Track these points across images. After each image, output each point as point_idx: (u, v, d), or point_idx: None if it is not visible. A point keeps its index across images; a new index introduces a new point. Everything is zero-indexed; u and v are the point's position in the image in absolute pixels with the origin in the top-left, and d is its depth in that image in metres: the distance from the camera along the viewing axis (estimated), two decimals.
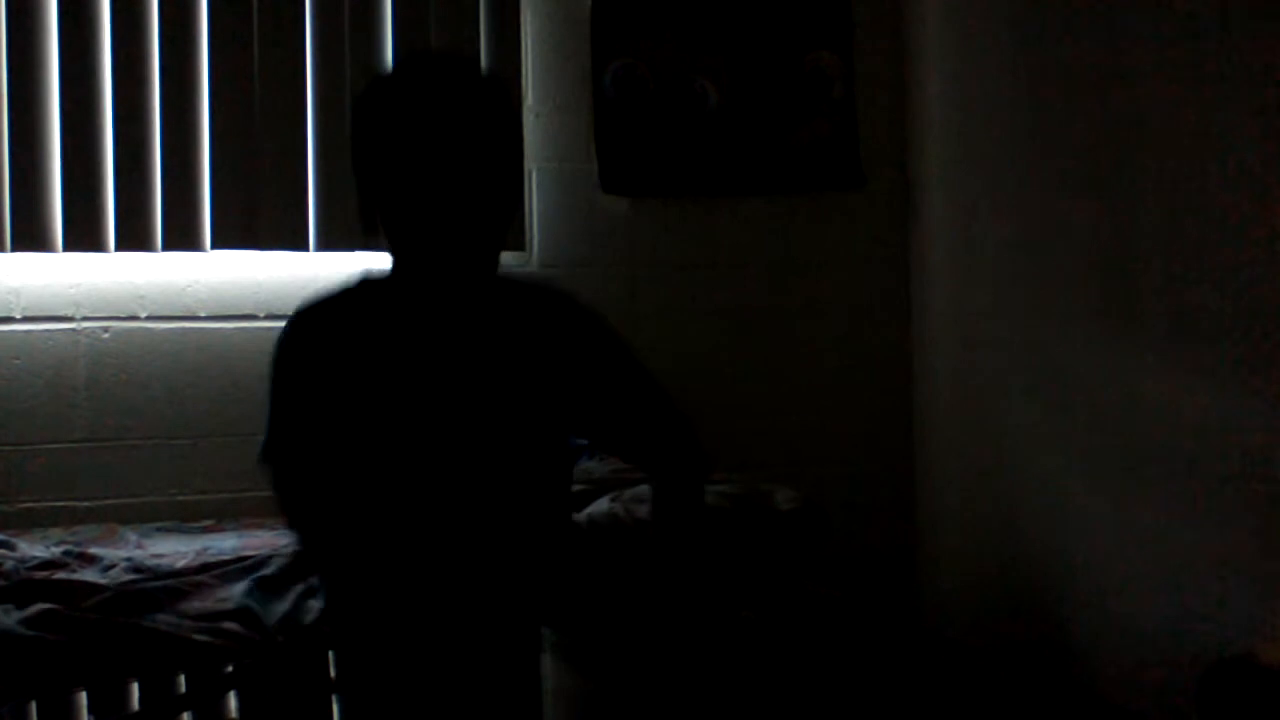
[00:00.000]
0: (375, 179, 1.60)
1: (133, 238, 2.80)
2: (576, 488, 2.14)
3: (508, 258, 1.80)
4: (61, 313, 2.82)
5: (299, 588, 2.10)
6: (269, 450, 1.73)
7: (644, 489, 2.42)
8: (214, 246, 2.84)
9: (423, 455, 1.63)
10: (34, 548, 2.36)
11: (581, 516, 2.24)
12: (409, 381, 1.65)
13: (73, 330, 2.82)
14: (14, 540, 2.40)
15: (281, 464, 1.73)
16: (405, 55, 1.67)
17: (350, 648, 1.66)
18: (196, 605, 2.08)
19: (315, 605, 2.02)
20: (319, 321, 1.71)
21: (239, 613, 2.05)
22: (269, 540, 2.44)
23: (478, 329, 1.68)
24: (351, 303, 1.71)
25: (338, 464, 1.65)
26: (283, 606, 2.06)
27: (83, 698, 1.63)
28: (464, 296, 1.68)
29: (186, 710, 1.44)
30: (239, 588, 2.15)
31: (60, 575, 2.15)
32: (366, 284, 1.71)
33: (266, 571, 2.17)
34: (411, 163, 1.56)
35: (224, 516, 2.80)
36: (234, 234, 2.85)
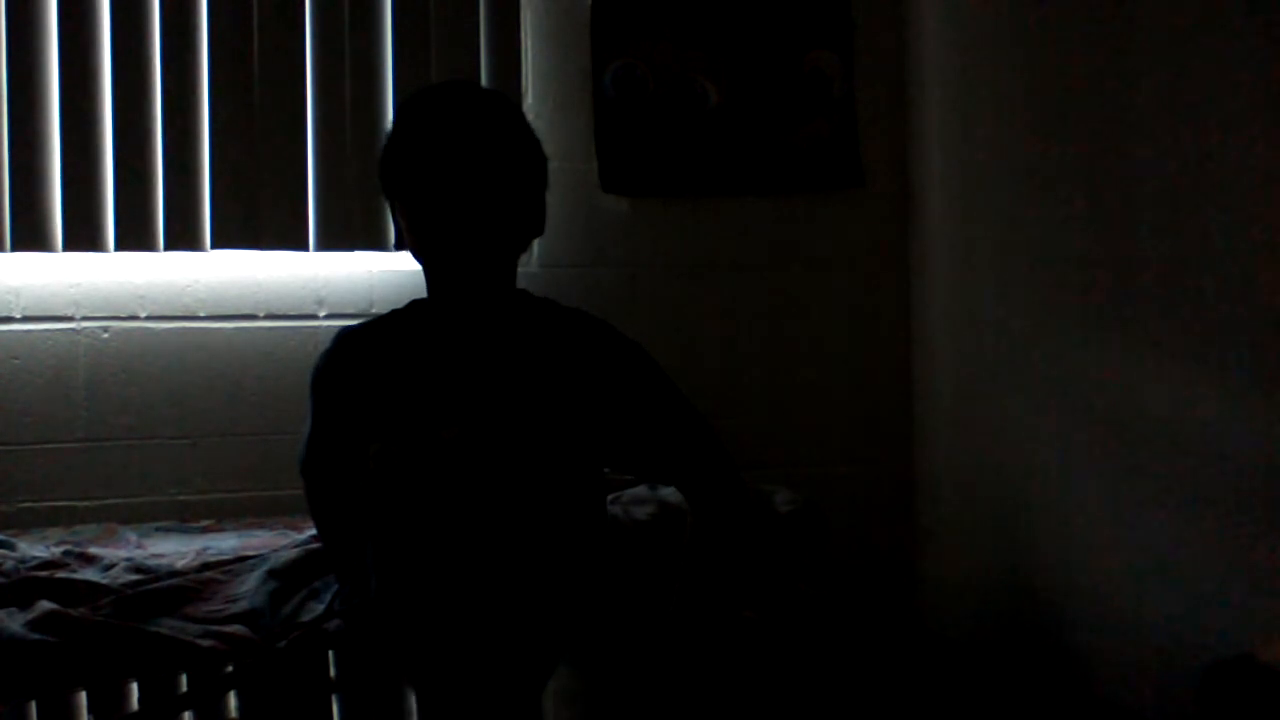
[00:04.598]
0: (406, 196, 1.63)
1: (133, 237, 2.80)
2: None
3: None
4: (61, 313, 2.82)
5: (303, 592, 2.10)
6: (306, 464, 1.80)
7: (642, 490, 2.43)
8: (214, 246, 2.84)
9: (458, 479, 1.64)
10: (34, 548, 2.36)
11: None
12: (446, 404, 1.66)
13: (73, 330, 2.82)
14: (14, 540, 2.40)
15: (317, 478, 1.78)
16: (430, 86, 1.75)
17: (369, 653, 1.67)
18: (204, 608, 2.08)
19: (316, 606, 2.02)
20: (361, 342, 1.75)
21: (245, 615, 2.05)
22: (269, 540, 2.45)
23: (515, 353, 1.69)
24: (393, 326, 1.75)
25: (372, 482, 1.66)
26: (288, 609, 2.06)
27: (83, 698, 1.63)
28: (502, 320, 1.69)
29: (186, 710, 1.44)
30: (251, 582, 2.15)
31: (61, 575, 2.15)
32: (411, 309, 1.74)
33: (276, 565, 2.17)
34: (435, 173, 1.60)
35: (224, 516, 2.81)
36: (234, 234, 2.85)
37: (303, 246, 2.89)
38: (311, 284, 2.93)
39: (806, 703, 1.58)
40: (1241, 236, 2.10)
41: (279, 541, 2.40)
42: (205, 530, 2.68)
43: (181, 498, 2.86)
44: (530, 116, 1.74)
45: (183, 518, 2.80)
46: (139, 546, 2.48)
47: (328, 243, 2.90)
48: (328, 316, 2.91)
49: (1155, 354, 2.32)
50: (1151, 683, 2.32)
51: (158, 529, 2.67)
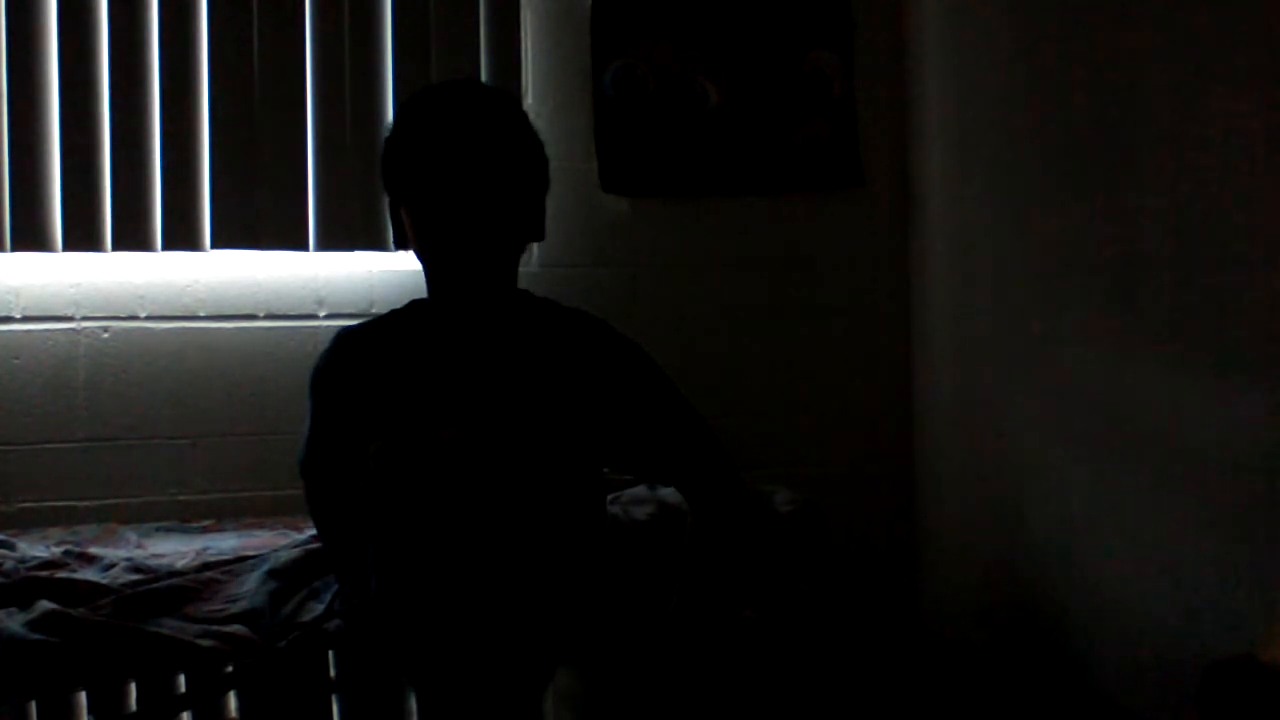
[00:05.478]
0: (410, 194, 1.63)
1: (132, 237, 2.80)
2: None
3: None
4: (61, 313, 2.82)
5: (303, 592, 2.10)
6: (306, 464, 1.80)
7: (642, 490, 2.43)
8: (214, 246, 2.84)
9: (457, 479, 1.64)
10: (34, 548, 2.36)
11: None
12: (445, 404, 1.66)
13: (73, 330, 2.82)
14: (14, 540, 2.40)
15: (317, 478, 1.78)
16: (432, 85, 1.75)
17: (369, 653, 1.67)
18: (204, 608, 2.08)
19: (316, 606, 2.02)
20: (361, 342, 1.75)
21: (245, 615, 2.05)
22: (269, 540, 2.45)
23: (515, 353, 1.69)
24: (393, 326, 1.75)
25: (372, 482, 1.66)
26: (288, 608, 2.06)
27: (83, 698, 1.63)
28: (502, 320, 1.69)
29: (186, 710, 1.44)
30: (251, 582, 2.15)
31: (61, 575, 2.15)
32: (411, 309, 1.74)
33: (276, 565, 2.17)
34: (441, 172, 1.60)
35: (224, 516, 2.81)
36: (234, 234, 2.85)
37: (303, 246, 2.89)
38: (311, 284, 2.93)
39: (806, 703, 1.58)
40: (1242, 236, 2.10)
41: (279, 541, 2.40)
42: (205, 530, 2.68)
43: (181, 498, 2.86)
44: (530, 116, 1.74)
45: (183, 518, 2.80)
46: (139, 546, 2.48)
47: (328, 243, 2.90)
48: (328, 316, 2.91)
49: (1156, 354, 2.32)
50: (1151, 683, 2.32)
51: (158, 529, 2.68)
